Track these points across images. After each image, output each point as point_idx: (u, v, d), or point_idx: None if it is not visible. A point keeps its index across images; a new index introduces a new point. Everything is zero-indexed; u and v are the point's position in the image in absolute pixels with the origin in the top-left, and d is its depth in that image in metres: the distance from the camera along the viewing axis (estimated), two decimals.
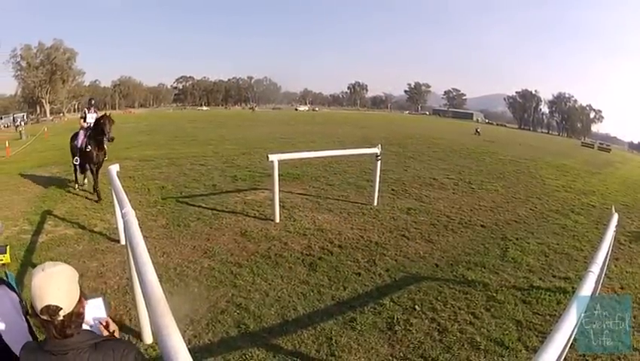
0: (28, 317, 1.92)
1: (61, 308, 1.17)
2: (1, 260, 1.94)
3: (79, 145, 7.50)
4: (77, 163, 7.61)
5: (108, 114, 7.32)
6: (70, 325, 1.21)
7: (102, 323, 1.46)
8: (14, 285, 2.18)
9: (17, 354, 1.70)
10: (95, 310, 1.45)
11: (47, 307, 1.15)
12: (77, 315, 1.24)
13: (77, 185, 8.08)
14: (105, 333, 1.43)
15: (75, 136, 7.81)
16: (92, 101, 8.13)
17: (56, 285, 1.18)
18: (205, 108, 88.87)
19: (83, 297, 1.31)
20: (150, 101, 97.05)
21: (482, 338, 3.34)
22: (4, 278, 2.08)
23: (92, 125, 7.54)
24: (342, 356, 3.06)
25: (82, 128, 7.67)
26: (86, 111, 7.75)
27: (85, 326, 1.39)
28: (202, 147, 14.90)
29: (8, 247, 2.01)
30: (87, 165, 7.49)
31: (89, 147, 7.28)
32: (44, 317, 1.17)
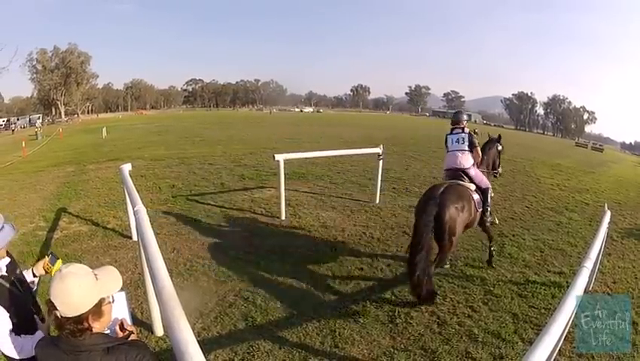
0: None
1: (57, 309, 1.20)
2: (51, 268, 2.01)
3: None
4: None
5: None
6: (66, 326, 1.22)
7: (117, 324, 1.45)
8: None
9: None
10: (116, 305, 1.42)
11: (48, 301, 1.22)
12: (77, 322, 1.22)
13: None
14: (120, 334, 1.43)
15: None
16: None
17: (61, 289, 1.20)
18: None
19: (100, 309, 1.27)
20: (160, 102, 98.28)
21: (480, 330, 3.42)
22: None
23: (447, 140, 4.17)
24: (346, 348, 3.14)
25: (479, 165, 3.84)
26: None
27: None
28: (210, 147, 15.02)
29: (60, 261, 2.06)
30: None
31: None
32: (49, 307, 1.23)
